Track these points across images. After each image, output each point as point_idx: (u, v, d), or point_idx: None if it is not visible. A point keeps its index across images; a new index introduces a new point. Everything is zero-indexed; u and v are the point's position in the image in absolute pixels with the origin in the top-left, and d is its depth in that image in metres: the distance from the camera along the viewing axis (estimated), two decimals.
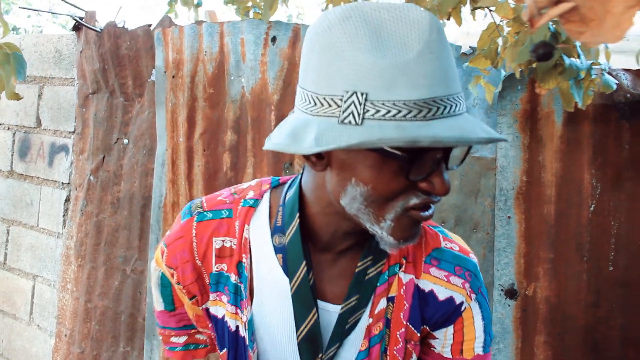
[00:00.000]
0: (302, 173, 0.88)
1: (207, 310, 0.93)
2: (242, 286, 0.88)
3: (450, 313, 0.90)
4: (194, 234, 0.90)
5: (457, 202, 1.91)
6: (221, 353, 0.93)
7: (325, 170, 0.78)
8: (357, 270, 0.86)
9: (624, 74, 1.80)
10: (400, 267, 0.88)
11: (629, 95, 1.77)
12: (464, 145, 0.68)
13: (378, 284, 0.87)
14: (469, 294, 0.90)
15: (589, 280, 1.81)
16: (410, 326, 0.88)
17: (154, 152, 2.45)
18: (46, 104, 2.96)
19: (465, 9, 1.73)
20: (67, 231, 2.79)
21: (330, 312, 0.87)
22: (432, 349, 0.94)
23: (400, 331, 0.87)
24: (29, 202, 3.04)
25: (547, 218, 1.85)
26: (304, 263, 0.85)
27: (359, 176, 0.73)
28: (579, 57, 1.54)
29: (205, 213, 0.91)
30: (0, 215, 3.20)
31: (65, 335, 2.75)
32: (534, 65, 1.59)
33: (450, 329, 0.91)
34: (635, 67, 1.84)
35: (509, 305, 1.88)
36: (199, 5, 2.97)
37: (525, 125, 1.88)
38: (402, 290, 0.87)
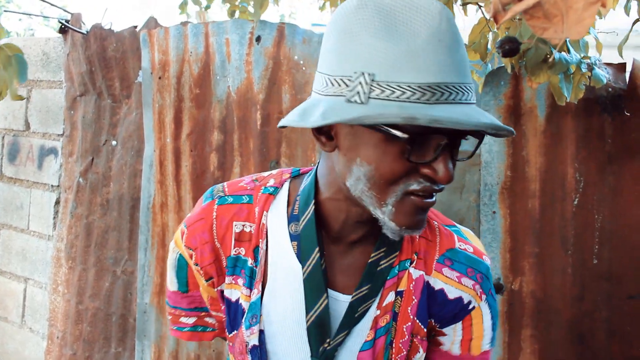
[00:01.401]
0: (319, 163, 0.91)
1: (221, 292, 0.95)
2: (257, 270, 0.91)
3: (457, 311, 0.92)
4: (214, 216, 0.92)
5: (442, 198, 1.92)
6: (230, 335, 0.95)
7: (334, 151, 0.80)
8: (370, 260, 0.88)
9: (606, 68, 1.81)
10: (411, 263, 0.90)
11: (610, 90, 1.78)
12: (463, 128, 0.68)
13: (388, 277, 0.89)
14: (479, 294, 0.92)
15: (573, 274, 1.82)
16: (417, 321, 0.90)
17: (142, 154, 2.46)
18: (34, 107, 2.96)
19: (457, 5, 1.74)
20: (58, 233, 2.80)
21: (340, 301, 0.89)
22: (441, 346, 0.95)
23: (407, 325, 0.89)
24: (19, 206, 3.04)
25: (532, 212, 1.86)
26: (317, 249, 0.87)
27: (363, 156, 0.75)
28: (568, 51, 1.54)
29: (226, 197, 0.94)
30: None
31: (57, 338, 2.75)
32: (524, 60, 1.59)
33: (459, 325, 0.93)
34: (617, 61, 1.85)
35: None
36: (207, 7, 2.98)
37: (509, 121, 1.88)
38: (411, 285, 0.89)
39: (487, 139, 1.89)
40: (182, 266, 0.97)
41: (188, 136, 2.27)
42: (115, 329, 2.58)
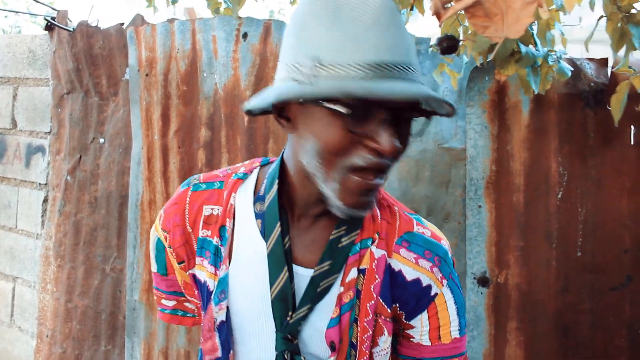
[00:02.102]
0: (285, 148, 0.95)
1: (193, 276, 1.00)
2: (223, 248, 0.95)
3: (419, 295, 0.93)
4: (187, 202, 1.00)
5: (429, 193, 1.94)
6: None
7: (294, 133, 0.86)
8: (331, 237, 0.91)
9: (588, 63, 1.84)
10: (372, 242, 0.92)
11: (593, 84, 1.81)
12: (395, 98, 0.74)
13: (350, 254, 0.91)
14: (439, 279, 0.93)
15: (558, 267, 1.85)
16: (381, 300, 0.91)
17: (129, 151, 2.46)
18: (21, 105, 2.95)
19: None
20: (46, 232, 2.79)
21: (304, 276, 0.92)
22: (411, 339, 0.96)
23: (370, 303, 0.90)
24: (6, 204, 3.03)
25: (517, 206, 1.88)
26: (278, 224, 0.91)
27: (312, 132, 0.81)
28: (535, 45, 1.57)
29: (200, 184, 1.01)
30: None
31: (47, 336, 2.75)
32: (492, 54, 1.62)
33: (425, 315, 0.94)
34: (600, 56, 1.87)
35: (481, 293, 1.91)
36: (174, 2, 2.96)
37: (493, 116, 1.90)
38: (373, 264, 0.91)
39: (472, 133, 1.91)
40: (160, 249, 1.05)
41: (176, 133, 2.28)
42: (105, 327, 2.58)
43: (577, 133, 1.83)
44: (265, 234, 0.92)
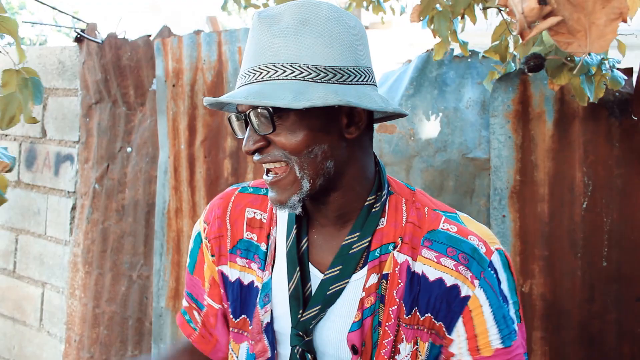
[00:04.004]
0: None
1: (222, 273, 1.03)
2: (268, 254, 0.99)
3: (447, 298, 0.88)
4: (232, 199, 1.05)
5: (453, 203, 1.95)
6: (236, 321, 1.02)
7: None
8: (343, 243, 0.93)
9: (603, 82, 1.83)
10: (395, 247, 0.91)
11: (617, 94, 1.80)
12: (228, 101, 0.84)
13: (369, 260, 0.92)
14: (469, 279, 0.88)
15: (583, 276, 1.84)
16: (403, 304, 0.90)
17: (156, 160, 2.51)
18: (51, 115, 3.02)
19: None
20: (74, 239, 2.85)
21: (319, 277, 0.94)
22: (452, 358, 0.91)
23: (393, 308, 0.90)
24: (36, 211, 3.11)
25: (541, 216, 1.88)
26: (294, 227, 0.96)
27: None
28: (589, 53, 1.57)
29: (248, 187, 1.07)
30: (8, 224, 3.27)
31: (75, 341, 2.81)
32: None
33: (460, 321, 0.89)
34: (625, 64, 1.87)
35: None
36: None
37: (517, 126, 1.91)
38: (396, 269, 0.90)
39: (496, 143, 1.92)
40: (196, 243, 1.08)
41: (202, 143, 2.32)
42: (132, 333, 2.63)
43: (602, 143, 1.83)
44: (287, 237, 0.97)
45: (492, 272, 0.89)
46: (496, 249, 0.90)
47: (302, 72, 0.82)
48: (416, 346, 0.90)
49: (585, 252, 1.84)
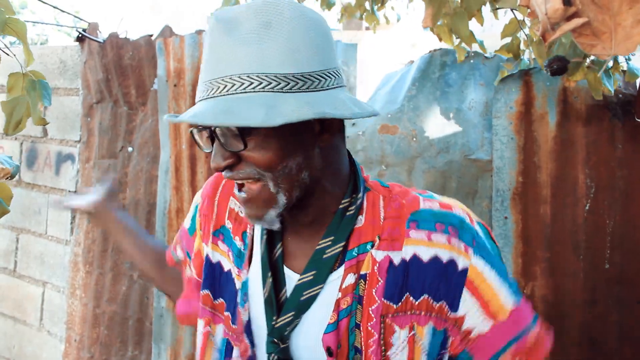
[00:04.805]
0: None
1: (205, 252, 1.06)
2: (245, 253, 0.98)
3: (446, 274, 0.87)
4: (223, 183, 1.07)
5: None
6: (215, 303, 1.03)
7: None
8: (317, 248, 0.91)
9: (616, 74, 1.83)
10: (372, 246, 0.89)
11: (620, 96, 1.80)
12: (186, 121, 0.78)
13: (347, 259, 0.89)
14: (464, 250, 0.87)
15: (585, 278, 1.84)
16: (386, 301, 0.88)
17: (157, 160, 2.50)
18: (52, 114, 3.02)
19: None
20: (75, 238, 2.85)
21: (295, 281, 0.93)
22: (471, 335, 0.89)
23: (373, 307, 0.88)
24: (37, 211, 3.10)
25: (543, 218, 1.88)
26: (265, 231, 0.96)
27: None
28: None
29: None
30: (9, 223, 3.26)
31: (75, 341, 2.80)
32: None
33: (466, 294, 0.87)
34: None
35: None
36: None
37: (520, 127, 1.91)
38: (375, 267, 0.88)
39: (499, 145, 1.92)
40: (194, 213, 1.12)
41: None
42: (132, 333, 2.62)
43: (605, 144, 1.83)
44: (260, 240, 0.97)
45: (479, 236, 0.90)
46: (476, 221, 0.92)
47: (270, 83, 0.78)
48: (413, 332, 0.88)
49: (588, 254, 1.84)
